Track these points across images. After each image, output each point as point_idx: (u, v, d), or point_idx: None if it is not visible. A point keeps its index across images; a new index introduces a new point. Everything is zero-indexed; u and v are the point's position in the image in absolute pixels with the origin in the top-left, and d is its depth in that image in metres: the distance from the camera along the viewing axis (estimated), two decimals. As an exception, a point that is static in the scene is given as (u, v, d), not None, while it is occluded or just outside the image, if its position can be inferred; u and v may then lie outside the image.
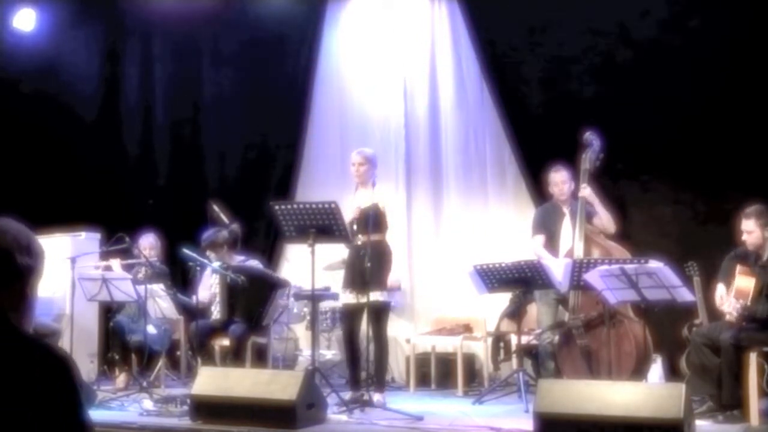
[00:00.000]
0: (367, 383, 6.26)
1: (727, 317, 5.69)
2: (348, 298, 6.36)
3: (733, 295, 5.65)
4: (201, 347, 6.89)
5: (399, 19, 8.72)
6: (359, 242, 6.20)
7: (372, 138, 8.51)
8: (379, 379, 6.34)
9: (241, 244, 7.44)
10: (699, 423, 5.12)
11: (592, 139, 6.57)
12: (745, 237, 5.74)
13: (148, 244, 7.74)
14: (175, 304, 7.29)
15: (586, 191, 6.51)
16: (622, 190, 7.43)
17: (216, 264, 6.94)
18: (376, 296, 6.10)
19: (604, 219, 6.59)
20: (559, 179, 6.80)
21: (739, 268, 5.71)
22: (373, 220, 6.12)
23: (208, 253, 7.05)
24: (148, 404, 6.14)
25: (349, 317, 6.47)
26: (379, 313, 6.24)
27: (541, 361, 6.81)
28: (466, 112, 8.47)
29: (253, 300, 6.86)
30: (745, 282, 5.63)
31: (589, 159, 6.55)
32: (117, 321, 7.63)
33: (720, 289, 5.81)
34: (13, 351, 1.75)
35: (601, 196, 6.64)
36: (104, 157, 9.50)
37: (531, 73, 8.01)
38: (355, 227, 6.21)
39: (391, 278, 6.30)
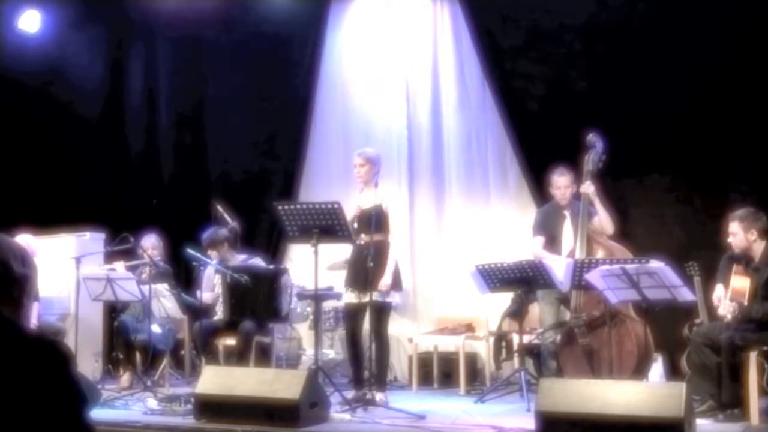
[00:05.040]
0: (369, 382, 6.30)
1: (725, 320, 5.73)
2: (350, 297, 6.40)
3: (729, 295, 5.68)
4: (205, 346, 6.92)
5: (401, 21, 8.74)
6: (361, 242, 6.24)
7: (374, 139, 8.53)
8: (380, 379, 6.37)
9: (242, 243, 7.48)
10: (699, 422, 5.14)
11: (595, 141, 6.59)
12: (730, 239, 5.78)
13: (151, 244, 7.77)
14: (179, 304, 7.35)
15: (590, 189, 6.53)
16: (623, 190, 7.46)
17: (214, 262, 6.97)
18: (376, 296, 6.14)
19: (603, 219, 6.61)
20: (562, 183, 6.81)
21: (735, 268, 5.74)
22: (375, 220, 6.16)
23: (209, 252, 7.09)
24: (152, 403, 6.16)
25: (351, 316, 6.51)
26: (380, 313, 6.28)
27: (542, 361, 6.84)
28: (468, 113, 8.50)
29: (260, 297, 6.86)
30: (740, 282, 5.66)
31: (591, 161, 6.57)
32: (121, 320, 7.66)
33: (718, 290, 5.83)
34: (13, 348, 1.81)
35: (602, 196, 6.67)
36: (108, 157, 9.56)
37: (533, 74, 8.04)
38: (356, 226, 6.24)
39: (385, 280, 6.19)
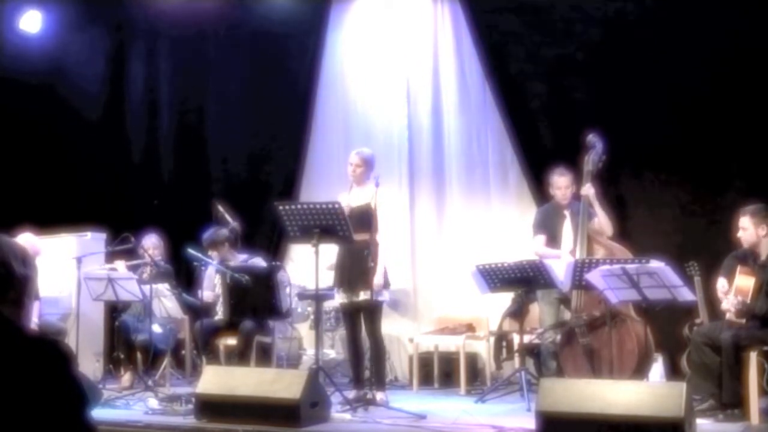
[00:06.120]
0: (370, 382, 6.31)
1: (727, 315, 5.73)
2: (342, 297, 6.41)
3: (733, 292, 5.68)
4: (206, 346, 6.93)
5: (402, 21, 8.75)
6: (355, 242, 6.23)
7: (375, 139, 8.55)
8: (379, 378, 6.38)
9: (243, 243, 7.49)
10: (700, 422, 5.14)
11: (595, 141, 6.60)
12: (740, 234, 5.80)
13: (151, 244, 7.79)
14: (180, 304, 7.35)
15: (591, 191, 6.55)
16: (623, 191, 7.47)
17: (215, 262, 6.98)
18: (367, 296, 6.15)
19: (603, 221, 6.63)
20: (563, 183, 6.83)
21: (739, 268, 5.74)
22: (366, 218, 6.17)
23: (210, 252, 7.09)
24: (153, 403, 6.17)
25: (348, 317, 6.52)
26: (372, 313, 6.29)
27: (543, 360, 6.85)
28: (468, 113, 8.50)
29: (260, 296, 6.86)
30: (745, 281, 5.67)
31: (591, 161, 6.59)
32: (122, 320, 7.68)
33: (721, 281, 5.83)
34: (14, 348, 1.82)
35: (601, 197, 6.68)
36: (109, 157, 9.57)
37: (533, 74, 8.05)
38: None
39: (377, 280, 6.18)
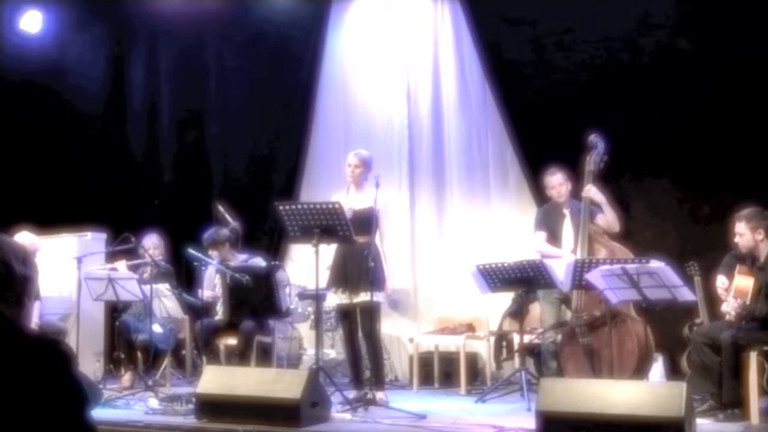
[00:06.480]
0: (370, 381, 6.31)
1: (727, 317, 5.73)
2: (341, 298, 6.41)
3: (732, 294, 5.68)
4: (206, 346, 6.94)
5: (402, 21, 8.76)
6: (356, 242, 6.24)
7: (375, 139, 8.56)
8: (378, 378, 6.38)
9: (243, 243, 7.49)
10: (700, 421, 5.15)
11: (596, 142, 6.59)
12: (737, 239, 5.78)
13: (152, 244, 7.80)
14: (181, 304, 7.36)
15: (591, 191, 6.55)
16: (624, 190, 7.47)
17: (215, 262, 6.98)
18: (367, 296, 6.15)
19: (610, 218, 6.61)
20: (556, 182, 6.84)
21: (738, 267, 5.74)
22: (370, 221, 6.17)
23: (210, 252, 7.10)
24: (153, 403, 6.18)
25: (346, 317, 6.53)
26: (371, 313, 6.30)
27: (543, 360, 6.85)
28: (469, 113, 8.51)
29: (260, 296, 6.87)
30: (744, 281, 5.66)
31: (593, 161, 6.58)
32: (123, 320, 7.68)
33: (720, 279, 5.81)
34: (14, 348, 1.82)
35: (606, 196, 6.66)
36: (110, 157, 9.58)
37: (534, 73, 8.05)
38: None
39: (390, 284, 6.32)
